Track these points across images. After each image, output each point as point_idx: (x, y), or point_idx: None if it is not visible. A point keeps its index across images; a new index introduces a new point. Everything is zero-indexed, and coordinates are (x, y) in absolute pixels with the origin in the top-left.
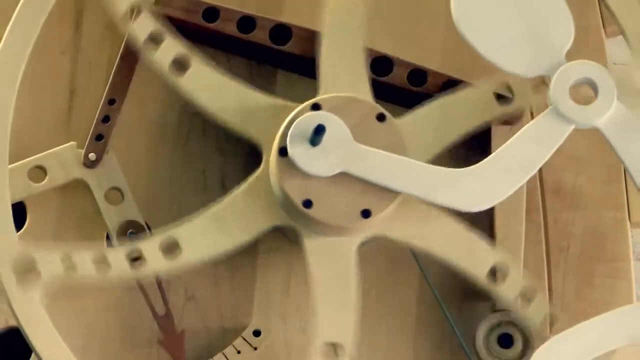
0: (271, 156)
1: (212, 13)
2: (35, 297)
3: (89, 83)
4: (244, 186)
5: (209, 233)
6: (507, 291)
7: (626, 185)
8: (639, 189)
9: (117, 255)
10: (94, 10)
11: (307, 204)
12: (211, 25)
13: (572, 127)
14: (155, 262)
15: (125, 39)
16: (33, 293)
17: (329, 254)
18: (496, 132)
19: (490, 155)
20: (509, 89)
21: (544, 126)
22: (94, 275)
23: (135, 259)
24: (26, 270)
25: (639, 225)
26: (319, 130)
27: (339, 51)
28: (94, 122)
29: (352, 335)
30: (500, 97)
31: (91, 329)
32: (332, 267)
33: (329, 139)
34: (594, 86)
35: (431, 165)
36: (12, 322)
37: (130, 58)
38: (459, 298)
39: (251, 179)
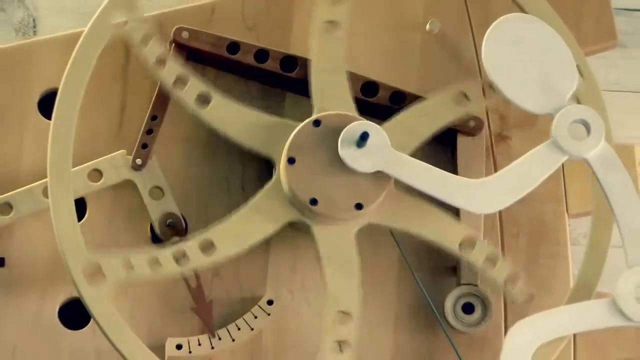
0: (281, 166)
1: (234, 47)
2: (103, 293)
3: (135, 103)
4: (261, 193)
5: (238, 233)
6: (475, 257)
7: (564, 183)
8: (614, 214)
9: (166, 256)
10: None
11: (313, 202)
12: (233, 57)
13: (567, 157)
14: (196, 260)
15: None
16: (101, 291)
17: (333, 240)
18: (461, 142)
19: (499, 172)
20: (465, 95)
21: (544, 154)
22: (149, 275)
23: (180, 258)
24: (94, 274)
25: (575, 216)
26: (364, 137)
27: (327, 78)
28: (140, 134)
29: (358, 303)
30: (458, 102)
31: (137, 299)
32: (337, 249)
33: (372, 144)
34: (587, 126)
35: (452, 174)
36: (76, 294)
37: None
38: (431, 275)
39: (267, 186)
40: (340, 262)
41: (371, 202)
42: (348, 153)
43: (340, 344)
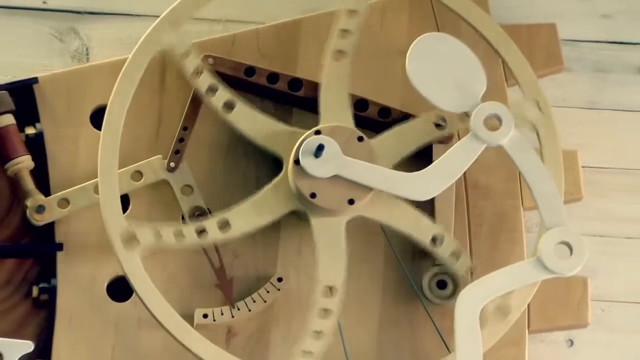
0: (289, 165)
1: (250, 71)
2: (136, 257)
3: (170, 116)
4: (271, 184)
5: (249, 215)
6: (443, 252)
7: (520, 182)
8: (534, 200)
9: (190, 230)
10: (174, 65)
11: (313, 195)
12: (250, 79)
13: (485, 145)
14: (214, 234)
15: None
16: (134, 254)
17: (326, 228)
18: (436, 149)
19: (431, 165)
20: (444, 119)
21: (466, 145)
22: (174, 244)
23: (201, 232)
24: (129, 239)
25: (529, 209)
26: (320, 148)
27: (333, 96)
28: (174, 142)
29: (343, 280)
30: (437, 125)
31: (170, 277)
32: (329, 236)
33: (326, 153)
34: (499, 119)
35: (393, 170)
36: (121, 273)
37: (197, 99)
38: (411, 257)
39: (276, 179)
40: (330, 246)
41: (361, 199)
42: (307, 162)
43: (326, 312)
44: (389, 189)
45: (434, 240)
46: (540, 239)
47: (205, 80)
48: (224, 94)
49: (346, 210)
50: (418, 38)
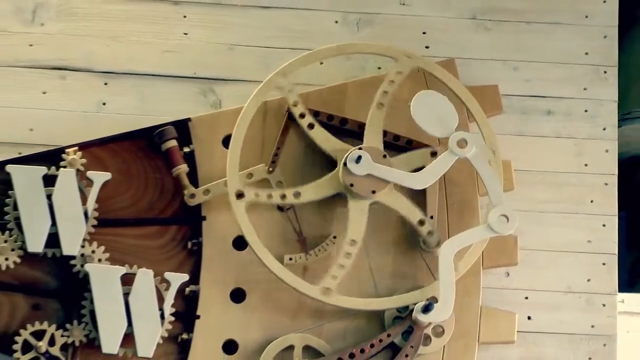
0: (340, 166)
1: (316, 114)
2: (242, 205)
3: (269, 139)
4: (329, 175)
5: (312, 190)
6: (423, 230)
7: (477, 179)
8: (486, 189)
9: (276, 193)
10: (273, 111)
11: (351, 185)
12: (316, 119)
13: (457, 157)
14: (290, 199)
15: (283, 124)
16: (242, 203)
17: (356, 207)
18: None
19: (424, 168)
20: (435, 153)
21: (445, 157)
22: (266, 201)
23: (283, 196)
24: (239, 194)
25: (483, 195)
26: (359, 158)
27: (373, 129)
28: (271, 155)
29: (362, 236)
30: (433, 154)
31: (271, 237)
32: (358, 210)
33: (363, 160)
34: (466, 141)
35: (402, 171)
36: (241, 233)
37: (285, 132)
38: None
39: (332, 173)
40: (358, 216)
41: (380, 189)
42: (351, 165)
43: (348, 255)
44: (400, 182)
45: (420, 222)
46: (488, 213)
47: (299, 109)
48: (308, 119)
49: (370, 197)
50: (418, 93)
